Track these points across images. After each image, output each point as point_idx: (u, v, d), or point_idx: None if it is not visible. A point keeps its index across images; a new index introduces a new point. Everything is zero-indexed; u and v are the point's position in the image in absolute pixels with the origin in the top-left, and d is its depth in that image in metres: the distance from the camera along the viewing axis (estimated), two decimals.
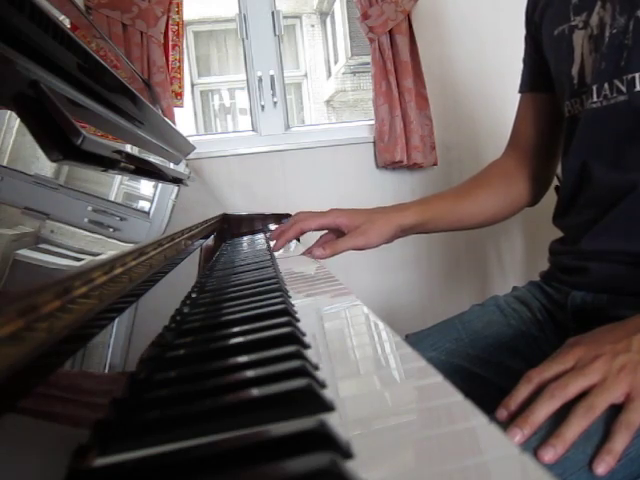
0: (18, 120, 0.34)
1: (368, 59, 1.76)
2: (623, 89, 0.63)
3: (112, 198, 0.47)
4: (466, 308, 0.79)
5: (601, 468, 0.40)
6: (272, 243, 0.81)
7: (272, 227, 1.36)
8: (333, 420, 0.23)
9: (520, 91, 0.87)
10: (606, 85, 0.65)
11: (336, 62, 7.81)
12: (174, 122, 1.49)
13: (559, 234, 0.79)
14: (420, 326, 0.77)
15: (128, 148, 0.57)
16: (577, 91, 0.71)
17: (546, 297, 0.75)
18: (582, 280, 0.69)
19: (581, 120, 0.70)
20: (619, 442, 0.40)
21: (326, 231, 0.80)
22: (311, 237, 0.82)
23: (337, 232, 0.78)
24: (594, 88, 0.66)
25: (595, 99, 0.66)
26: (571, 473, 0.43)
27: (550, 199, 0.88)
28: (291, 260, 0.78)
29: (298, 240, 1.05)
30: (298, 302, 0.49)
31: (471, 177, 0.88)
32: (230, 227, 1.34)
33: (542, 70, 0.79)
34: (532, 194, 0.87)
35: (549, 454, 0.40)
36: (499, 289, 1.90)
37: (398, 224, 0.76)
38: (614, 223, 0.65)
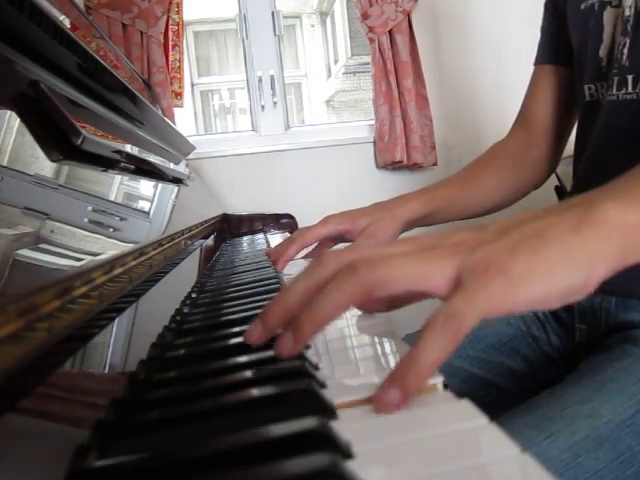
0: (18, 120, 0.34)
1: (368, 59, 1.76)
2: None
3: (112, 198, 0.47)
4: None
5: (390, 398, 0.25)
6: (271, 259, 0.72)
7: (272, 227, 1.36)
8: (332, 421, 0.23)
9: (535, 63, 0.79)
10: None
11: (336, 62, 7.81)
12: (174, 122, 1.49)
13: None
14: (420, 326, 0.77)
15: (128, 148, 0.57)
16: (604, 75, 0.64)
17: None
18: None
19: (605, 108, 0.64)
20: (434, 347, 0.26)
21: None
22: None
23: (339, 240, 0.71)
24: (630, 78, 0.61)
25: (630, 89, 0.61)
26: (583, 479, 0.43)
27: (553, 194, 0.86)
28: (292, 262, 0.76)
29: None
30: None
31: (475, 160, 0.81)
32: (230, 227, 1.34)
33: (563, 41, 0.72)
34: (539, 177, 0.81)
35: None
36: None
37: (405, 219, 0.70)
38: None
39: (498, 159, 0.80)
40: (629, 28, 0.61)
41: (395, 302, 0.34)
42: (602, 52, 0.65)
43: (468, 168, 0.80)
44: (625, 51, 0.62)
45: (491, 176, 0.78)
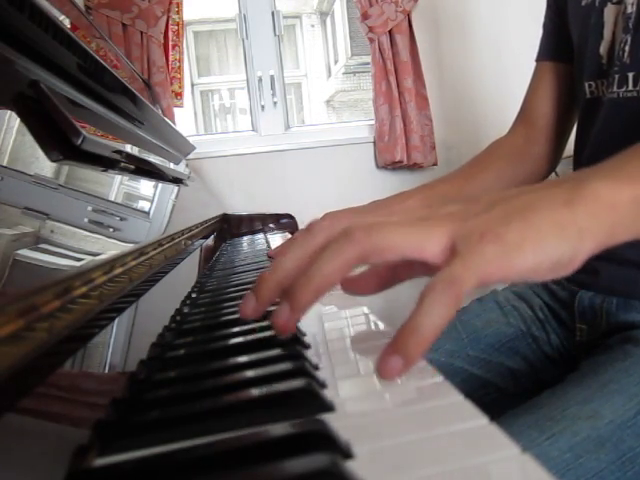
0: (18, 120, 0.34)
1: (368, 59, 1.76)
2: None
3: (112, 198, 0.47)
4: (466, 303, 0.77)
5: (392, 364, 0.25)
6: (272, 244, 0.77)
7: (272, 227, 1.36)
8: (333, 420, 0.23)
9: (537, 59, 0.79)
10: None
11: (336, 62, 7.81)
12: (174, 122, 1.49)
13: None
14: None
15: (128, 148, 0.57)
16: (604, 72, 0.64)
17: (549, 294, 0.73)
18: (590, 280, 0.66)
19: (605, 105, 0.64)
20: (434, 312, 0.25)
21: None
22: None
23: None
24: (630, 75, 0.61)
25: (631, 87, 0.61)
26: None
27: None
28: None
29: None
30: None
31: (474, 157, 0.80)
32: (230, 227, 1.34)
33: (564, 38, 0.72)
34: (539, 174, 0.80)
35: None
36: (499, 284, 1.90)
37: None
38: None
39: (498, 156, 0.79)
40: (631, 25, 0.60)
41: (388, 279, 0.33)
42: (602, 49, 0.65)
43: (468, 165, 0.80)
44: (626, 48, 0.61)
45: (490, 173, 0.77)
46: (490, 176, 0.77)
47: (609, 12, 0.63)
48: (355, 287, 0.33)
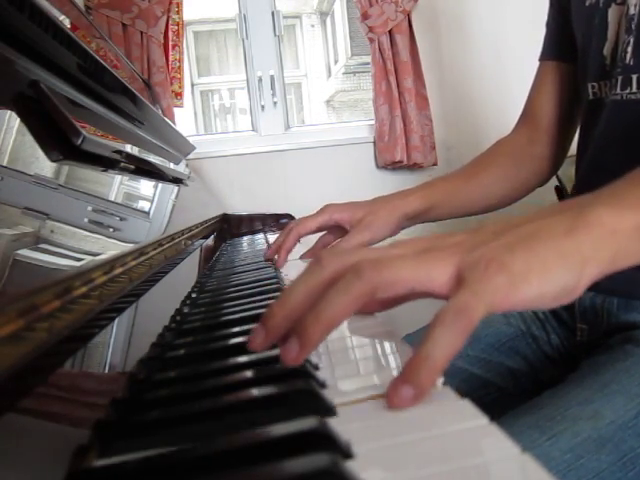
0: (18, 120, 0.34)
1: (368, 59, 1.76)
2: None
3: (112, 198, 0.47)
4: None
5: (404, 395, 0.25)
6: (270, 251, 0.72)
7: (272, 227, 1.36)
8: (332, 421, 0.23)
9: (540, 58, 0.78)
10: None
11: (336, 62, 7.81)
12: (174, 122, 1.49)
13: None
14: (420, 325, 0.76)
15: (128, 148, 0.57)
16: (607, 74, 0.64)
17: None
18: None
19: (608, 107, 0.64)
20: (444, 341, 0.26)
21: (325, 232, 0.73)
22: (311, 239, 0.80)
23: (337, 231, 0.71)
24: (634, 77, 0.60)
25: (635, 89, 0.60)
26: None
27: (554, 194, 0.86)
28: (290, 264, 0.75)
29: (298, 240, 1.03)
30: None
31: (477, 157, 0.80)
32: (230, 227, 1.34)
33: (568, 37, 0.71)
34: (542, 174, 0.79)
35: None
36: None
37: (403, 212, 0.69)
38: None
39: (500, 155, 0.79)
40: (633, 26, 0.60)
41: (391, 302, 0.34)
42: (606, 50, 0.64)
43: (470, 164, 0.79)
44: (629, 50, 0.61)
45: (492, 172, 0.77)
46: (491, 175, 0.77)
47: (613, 13, 0.63)
48: (365, 308, 0.33)
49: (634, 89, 0.60)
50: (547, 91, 0.77)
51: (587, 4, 0.66)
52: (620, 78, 0.62)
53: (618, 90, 0.62)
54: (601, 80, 0.66)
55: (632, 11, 0.60)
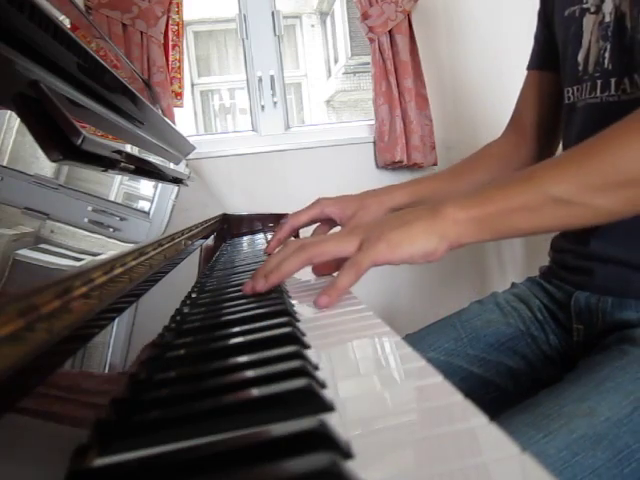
0: (18, 120, 0.34)
1: (368, 59, 1.76)
2: None
3: (112, 198, 0.47)
4: (465, 304, 0.78)
5: (322, 300, 0.46)
6: (269, 248, 0.77)
7: (272, 227, 1.36)
8: (333, 420, 0.23)
9: (528, 68, 0.84)
10: (626, 80, 0.62)
11: (336, 62, 7.81)
12: (174, 122, 1.49)
13: None
14: (420, 325, 0.77)
15: (128, 148, 0.57)
16: (581, 79, 0.68)
17: (547, 296, 0.74)
18: (586, 281, 0.67)
19: (580, 110, 0.68)
20: (344, 278, 0.46)
21: (319, 224, 0.77)
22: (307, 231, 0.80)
23: (330, 222, 0.75)
24: (612, 81, 0.63)
25: (613, 92, 0.63)
26: (581, 478, 0.43)
27: None
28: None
29: (296, 236, 1.03)
30: (298, 302, 0.49)
31: (466, 158, 0.84)
32: (230, 227, 1.34)
33: (552, 48, 0.76)
34: None
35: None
36: (498, 284, 1.90)
37: (390, 206, 0.74)
38: (621, 225, 0.63)
39: (488, 158, 0.83)
40: (609, 33, 0.64)
41: (331, 266, 0.58)
42: (580, 57, 0.68)
43: (458, 164, 0.83)
44: (607, 55, 0.64)
45: (480, 173, 0.81)
46: (479, 176, 0.80)
47: (587, 21, 0.67)
48: (321, 271, 0.60)
49: (612, 92, 0.64)
50: (532, 99, 0.82)
51: (566, 14, 0.70)
52: (600, 82, 0.65)
53: (598, 93, 0.66)
54: (575, 85, 0.69)
55: (607, 19, 0.64)
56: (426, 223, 0.48)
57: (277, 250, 0.55)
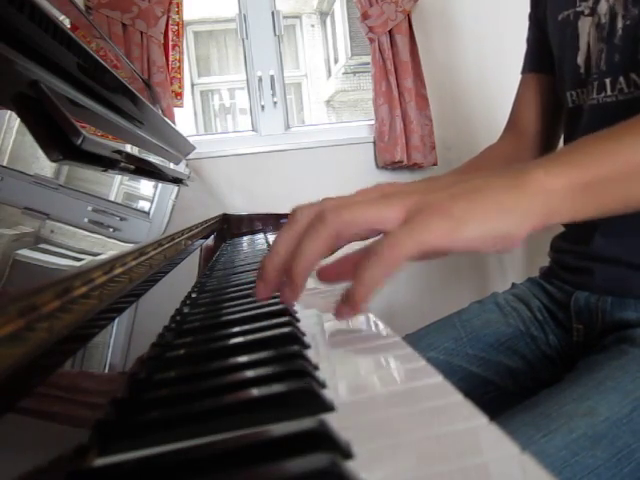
0: (18, 120, 0.34)
1: (368, 59, 1.76)
2: None
3: (112, 198, 0.47)
4: (465, 305, 0.78)
5: (343, 311, 0.33)
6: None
7: (272, 227, 1.36)
8: (333, 420, 0.23)
9: (522, 72, 0.84)
10: (621, 78, 0.62)
11: (336, 62, 7.81)
12: (174, 122, 1.49)
13: (559, 228, 0.77)
14: (420, 325, 0.77)
15: (128, 148, 0.57)
16: (583, 81, 0.68)
17: (547, 296, 0.74)
18: (586, 281, 0.67)
19: (587, 112, 0.67)
20: (373, 271, 0.31)
21: None
22: None
23: None
24: (607, 81, 0.64)
25: (609, 92, 0.64)
26: (580, 477, 0.43)
27: None
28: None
29: None
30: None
31: (469, 160, 0.83)
32: (230, 227, 1.34)
33: (546, 51, 0.77)
34: None
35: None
36: (498, 285, 1.90)
37: None
38: (621, 224, 0.62)
39: (490, 160, 0.83)
40: (605, 34, 0.64)
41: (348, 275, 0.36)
42: (580, 59, 0.68)
43: (463, 167, 0.83)
44: (603, 56, 0.64)
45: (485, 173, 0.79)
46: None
47: (583, 24, 0.67)
48: (326, 278, 0.38)
49: (609, 92, 0.64)
50: (530, 101, 0.82)
51: (560, 18, 0.71)
52: (596, 84, 0.66)
53: (595, 95, 0.66)
54: (578, 88, 0.70)
55: (603, 20, 0.64)
56: (505, 193, 0.33)
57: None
